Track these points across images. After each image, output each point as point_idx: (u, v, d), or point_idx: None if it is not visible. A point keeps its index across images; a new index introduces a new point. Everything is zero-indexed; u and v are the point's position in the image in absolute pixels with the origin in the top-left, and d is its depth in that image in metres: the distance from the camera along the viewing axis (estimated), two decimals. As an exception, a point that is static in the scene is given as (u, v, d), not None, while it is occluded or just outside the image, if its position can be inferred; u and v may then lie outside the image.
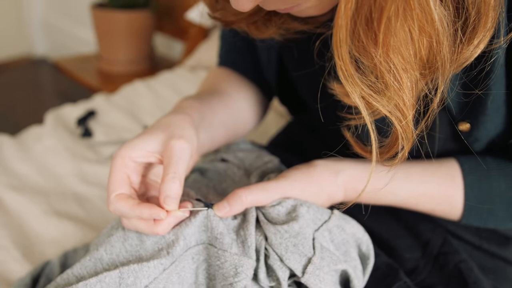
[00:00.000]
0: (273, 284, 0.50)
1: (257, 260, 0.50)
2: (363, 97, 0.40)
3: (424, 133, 0.46)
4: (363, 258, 0.54)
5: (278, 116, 1.26)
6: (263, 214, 0.52)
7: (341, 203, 0.54)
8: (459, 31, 0.41)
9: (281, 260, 0.49)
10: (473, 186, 0.56)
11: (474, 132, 0.54)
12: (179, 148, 0.50)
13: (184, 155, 0.50)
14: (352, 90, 0.39)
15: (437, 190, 0.56)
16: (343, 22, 0.35)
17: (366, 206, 0.60)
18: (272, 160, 0.63)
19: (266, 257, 0.50)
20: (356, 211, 0.57)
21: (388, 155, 0.47)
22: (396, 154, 0.46)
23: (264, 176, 0.61)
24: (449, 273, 0.58)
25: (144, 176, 0.54)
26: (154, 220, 0.48)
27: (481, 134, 0.54)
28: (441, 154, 0.59)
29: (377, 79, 0.39)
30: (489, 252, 0.62)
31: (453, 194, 0.56)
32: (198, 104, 0.61)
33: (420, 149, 0.49)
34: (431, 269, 0.60)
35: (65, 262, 0.68)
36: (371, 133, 0.42)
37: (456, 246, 0.61)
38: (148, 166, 0.54)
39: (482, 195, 0.56)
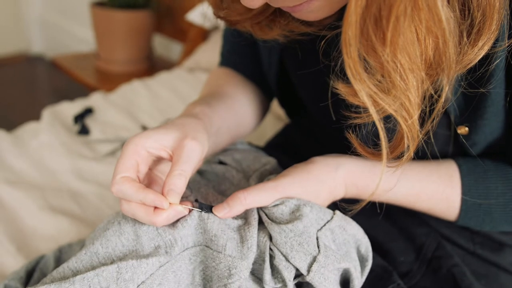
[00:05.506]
0: (278, 285, 0.50)
1: (263, 261, 0.50)
2: (370, 96, 0.41)
3: (431, 132, 0.47)
4: (361, 260, 0.54)
5: (275, 119, 1.27)
6: (266, 215, 0.53)
7: (352, 202, 0.54)
8: (465, 33, 0.42)
9: (287, 260, 0.49)
10: (471, 187, 0.56)
11: (473, 136, 0.55)
12: (191, 148, 0.50)
13: (194, 156, 0.50)
14: (360, 88, 0.40)
15: (435, 189, 0.57)
16: (353, 19, 0.36)
17: (362, 209, 0.60)
18: (270, 162, 0.64)
19: (272, 257, 0.50)
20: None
21: (393, 155, 0.47)
22: (401, 154, 0.46)
23: (263, 178, 0.61)
24: (442, 277, 0.59)
25: (150, 169, 0.55)
26: (154, 209, 0.48)
27: (479, 138, 0.55)
28: (440, 157, 0.59)
29: (383, 78, 0.40)
30: (482, 257, 0.63)
31: (451, 194, 0.57)
32: (208, 110, 0.62)
33: (425, 148, 0.50)
34: (424, 272, 0.60)
35: (60, 257, 0.68)
36: (380, 131, 0.42)
37: (450, 250, 0.62)
38: (157, 161, 0.55)
39: (479, 196, 0.56)
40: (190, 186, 0.60)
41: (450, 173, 0.57)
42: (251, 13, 0.53)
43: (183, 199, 0.53)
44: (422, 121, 0.46)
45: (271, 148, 0.81)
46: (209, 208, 0.51)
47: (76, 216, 0.87)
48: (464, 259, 0.62)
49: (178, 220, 0.51)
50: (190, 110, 0.61)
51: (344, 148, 0.52)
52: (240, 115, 0.71)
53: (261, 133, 1.16)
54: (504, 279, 0.63)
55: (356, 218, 0.56)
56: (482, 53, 0.44)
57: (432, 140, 0.50)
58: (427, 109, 0.46)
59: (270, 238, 0.51)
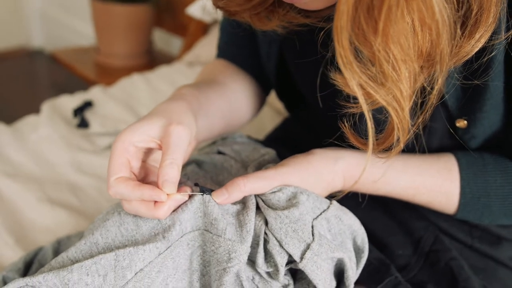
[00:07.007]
0: (270, 269, 0.50)
1: (256, 245, 0.50)
2: (361, 86, 0.41)
3: (421, 126, 0.47)
4: (357, 251, 0.55)
5: (274, 113, 1.27)
6: (263, 201, 0.53)
7: (339, 191, 0.54)
8: (459, 25, 0.42)
9: (280, 245, 0.49)
10: (469, 180, 0.56)
11: (471, 129, 0.55)
12: (178, 134, 0.50)
13: (182, 141, 0.50)
14: (350, 77, 0.40)
15: (434, 182, 0.57)
16: (345, 7, 0.36)
17: (361, 201, 0.60)
18: (269, 152, 0.64)
19: (266, 242, 0.50)
20: (351, 205, 0.57)
21: (384, 146, 0.47)
22: (392, 145, 0.46)
23: (261, 168, 0.61)
24: (440, 270, 0.59)
25: (143, 161, 0.54)
26: (155, 203, 0.48)
27: (478, 131, 0.55)
28: (438, 150, 0.59)
29: (376, 68, 0.40)
30: (480, 251, 0.63)
31: (450, 187, 0.57)
32: (196, 91, 0.62)
33: (415, 143, 0.50)
34: (422, 266, 0.60)
35: (58, 249, 0.68)
36: (368, 121, 0.42)
37: (448, 244, 0.62)
38: (148, 152, 0.55)
39: (478, 189, 0.56)
40: (188, 175, 0.60)
41: (449, 166, 0.57)
42: (250, 3, 0.53)
43: (181, 185, 0.53)
44: (415, 113, 0.46)
45: (270, 141, 0.81)
46: (209, 191, 0.51)
47: (74, 208, 0.87)
48: (462, 253, 0.62)
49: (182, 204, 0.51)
50: (176, 92, 0.61)
51: (340, 140, 0.52)
52: (234, 101, 0.71)
53: (260, 127, 1.15)
54: (502, 273, 0.63)
55: (355, 211, 0.56)
56: (479, 46, 0.44)
57: (421, 132, 0.50)
58: (419, 101, 0.46)
59: (266, 223, 0.51)
